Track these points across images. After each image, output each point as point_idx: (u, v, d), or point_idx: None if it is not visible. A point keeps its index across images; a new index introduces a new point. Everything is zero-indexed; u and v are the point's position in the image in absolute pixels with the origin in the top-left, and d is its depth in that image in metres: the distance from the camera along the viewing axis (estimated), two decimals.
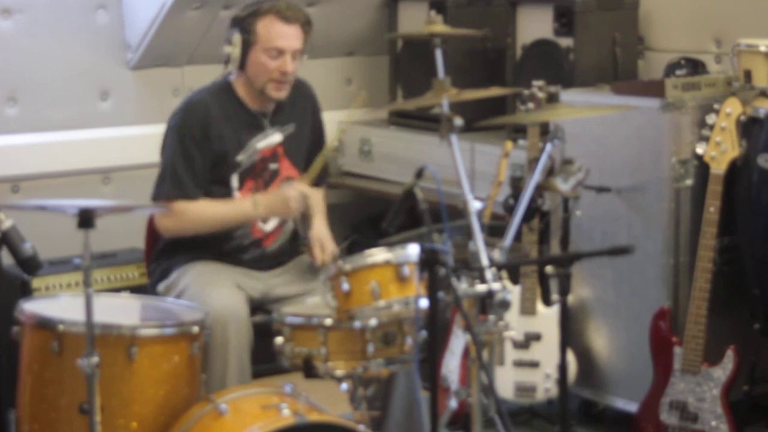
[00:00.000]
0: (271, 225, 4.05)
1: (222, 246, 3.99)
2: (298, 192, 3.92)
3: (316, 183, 4.16)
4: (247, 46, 3.93)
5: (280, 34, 3.93)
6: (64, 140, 5.22)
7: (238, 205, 3.96)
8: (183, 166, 3.90)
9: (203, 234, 3.96)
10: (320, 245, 4.00)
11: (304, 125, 4.12)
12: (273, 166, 4.04)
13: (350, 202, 5.79)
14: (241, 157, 3.97)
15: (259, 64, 3.94)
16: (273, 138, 4.04)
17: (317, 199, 4.13)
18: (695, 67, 4.60)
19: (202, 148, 3.92)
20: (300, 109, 4.12)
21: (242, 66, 3.95)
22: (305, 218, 3.98)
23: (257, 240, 4.03)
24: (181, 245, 3.99)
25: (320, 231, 4.04)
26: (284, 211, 3.96)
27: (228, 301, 3.76)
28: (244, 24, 3.93)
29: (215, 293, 3.77)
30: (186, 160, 3.91)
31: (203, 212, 3.93)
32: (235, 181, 3.98)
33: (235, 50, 3.94)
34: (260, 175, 4.02)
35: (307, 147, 4.14)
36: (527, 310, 4.46)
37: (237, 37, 3.94)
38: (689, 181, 4.25)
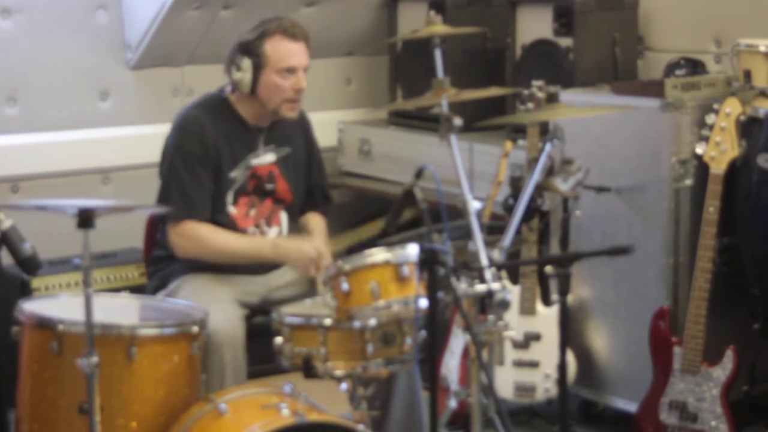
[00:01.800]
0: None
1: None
2: (317, 253, 3.88)
3: (319, 210, 4.17)
4: (257, 69, 3.90)
5: (291, 53, 3.92)
6: (64, 140, 5.23)
7: (258, 244, 3.94)
8: (192, 186, 3.87)
9: (217, 262, 3.93)
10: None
11: (299, 149, 4.10)
12: (269, 186, 4.01)
13: (350, 202, 5.79)
14: (234, 174, 3.95)
15: (273, 86, 3.91)
16: (266, 157, 4.02)
17: (316, 220, 4.15)
18: (695, 67, 4.60)
19: (205, 164, 3.89)
20: (295, 132, 4.11)
21: (253, 89, 3.93)
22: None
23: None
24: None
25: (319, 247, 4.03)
26: (297, 262, 3.91)
27: (223, 321, 3.71)
28: (252, 47, 3.89)
29: (213, 313, 3.69)
30: (192, 178, 3.87)
31: (223, 244, 3.89)
32: (229, 197, 3.96)
33: (245, 75, 3.90)
34: (254, 193, 3.99)
35: (302, 171, 4.12)
36: (527, 310, 4.46)
37: (246, 62, 3.89)
38: (689, 181, 4.25)
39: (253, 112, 3.99)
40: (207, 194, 3.90)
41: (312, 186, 4.18)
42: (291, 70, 3.91)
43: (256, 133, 4.01)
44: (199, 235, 3.88)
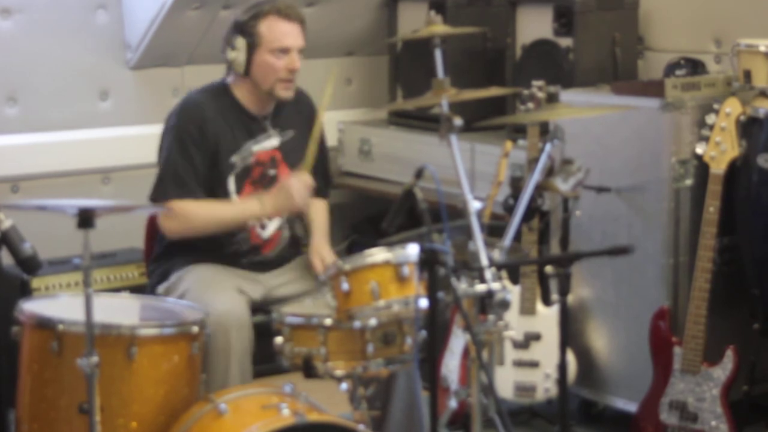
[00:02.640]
0: (269, 231, 4.04)
1: (221, 250, 3.98)
2: (300, 183, 3.90)
3: (319, 194, 4.15)
4: (251, 48, 3.92)
5: (284, 33, 3.94)
6: (64, 140, 5.23)
7: (245, 206, 3.94)
8: (183, 166, 3.89)
9: (207, 235, 3.94)
10: (320, 258, 4.00)
11: (303, 133, 4.10)
12: (272, 171, 4.02)
13: (350, 202, 5.79)
14: (235, 159, 3.96)
15: (267, 66, 3.93)
16: (269, 142, 4.02)
17: (319, 210, 4.13)
18: (695, 67, 4.59)
19: (201, 146, 3.91)
20: (299, 116, 4.11)
21: (247, 70, 3.94)
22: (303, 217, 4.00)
23: (256, 245, 4.03)
24: (180, 247, 3.98)
25: (319, 245, 4.05)
26: (290, 205, 3.92)
27: (229, 305, 3.75)
28: (246, 27, 3.92)
29: (216, 298, 3.74)
30: (185, 159, 3.89)
31: (209, 213, 3.91)
32: (231, 184, 3.96)
33: (239, 55, 3.92)
34: (259, 181, 4.00)
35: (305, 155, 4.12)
36: (527, 310, 4.46)
37: (240, 41, 3.92)
38: (689, 181, 4.25)
39: (251, 98, 3.99)
40: (200, 176, 3.91)
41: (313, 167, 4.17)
42: (285, 50, 3.93)
43: (261, 120, 4.02)
44: (185, 212, 3.88)
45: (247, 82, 3.98)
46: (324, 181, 4.22)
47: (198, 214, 3.90)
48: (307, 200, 3.93)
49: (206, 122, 3.92)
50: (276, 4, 3.96)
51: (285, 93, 3.97)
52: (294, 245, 4.12)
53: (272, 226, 4.05)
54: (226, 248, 3.98)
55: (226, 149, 3.94)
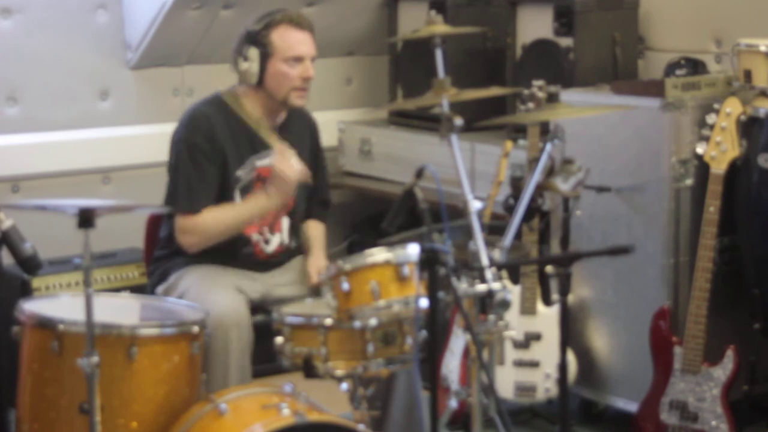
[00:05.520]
0: (273, 246, 4.04)
1: (223, 257, 3.99)
2: (284, 159, 3.86)
3: (318, 217, 4.19)
4: (265, 58, 3.92)
5: (298, 41, 3.94)
6: (64, 140, 5.22)
7: (254, 202, 3.92)
8: (197, 180, 3.88)
9: (225, 240, 3.94)
10: (317, 270, 4.00)
11: (304, 151, 4.10)
12: None
13: (350, 202, 5.79)
14: (240, 173, 3.96)
15: (281, 75, 3.92)
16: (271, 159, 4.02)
17: (317, 228, 4.17)
18: (695, 66, 4.60)
19: (211, 158, 3.90)
20: (301, 135, 4.12)
21: (260, 80, 3.94)
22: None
23: (261, 260, 4.03)
24: (180, 250, 3.98)
25: (317, 259, 4.09)
26: (289, 181, 3.87)
27: (229, 305, 3.75)
28: (259, 37, 3.91)
29: (216, 296, 3.75)
30: (198, 173, 3.88)
31: (222, 220, 3.90)
32: (238, 198, 3.96)
33: (252, 65, 3.92)
34: None
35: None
36: (527, 309, 4.46)
37: (253, 52, 3.91)
38: (689, 181, 4.25)
39: (260, 107, 3.99)
40: (212, 189, 3.91)
41: (312, 190, 4.17)
42: (298, 59, 3.93)
43: (264, 134, 4.01)
44: (199, 226, 3.89)
45: (259, 92, 3.97)
46: (322, 205, 4.24)
47: (212, 223, 3.89)
48: (299, 169, 3.88)
49: (214, 134, 3.91)
50: (287, 13, 3.96)
51: (299, 101, 3.98)
52: (296, 252, 4.13)
53: (275, 241, 4.05)
54: (231, 261, 3.98)
55: (233, 163, 3.94)
